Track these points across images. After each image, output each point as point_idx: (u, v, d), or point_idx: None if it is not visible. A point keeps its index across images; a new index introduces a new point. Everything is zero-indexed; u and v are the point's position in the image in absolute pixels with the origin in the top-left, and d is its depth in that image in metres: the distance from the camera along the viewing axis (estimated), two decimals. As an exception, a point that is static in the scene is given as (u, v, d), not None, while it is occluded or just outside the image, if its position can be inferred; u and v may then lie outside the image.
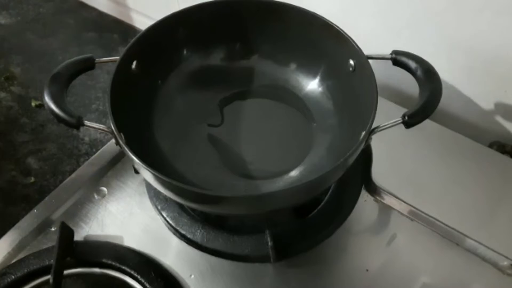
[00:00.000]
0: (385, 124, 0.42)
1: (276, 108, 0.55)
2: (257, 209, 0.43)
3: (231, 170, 0.50)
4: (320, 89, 0.54)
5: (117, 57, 0.45)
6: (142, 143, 0.47)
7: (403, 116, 0.41)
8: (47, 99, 0.40)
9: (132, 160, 0.39)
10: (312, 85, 0.55)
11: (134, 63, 0.48)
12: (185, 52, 0.55)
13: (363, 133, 0.41)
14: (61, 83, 0.42)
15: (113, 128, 0.40)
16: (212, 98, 0.55)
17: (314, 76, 0.54)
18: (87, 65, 0.45)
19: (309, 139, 0.52)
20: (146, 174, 0.39)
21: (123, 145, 0.39)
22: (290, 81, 0.56)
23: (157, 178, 0.38)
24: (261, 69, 0.56)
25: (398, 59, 0.46)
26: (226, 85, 0.56)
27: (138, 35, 0.48)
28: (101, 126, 0.40)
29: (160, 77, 0.53)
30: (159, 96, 0.53)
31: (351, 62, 0.48)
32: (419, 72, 0.44)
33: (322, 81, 0.54)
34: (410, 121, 0.41)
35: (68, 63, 0.44)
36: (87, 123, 0.40)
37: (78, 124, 0.40)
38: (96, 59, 0.45)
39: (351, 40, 0.47)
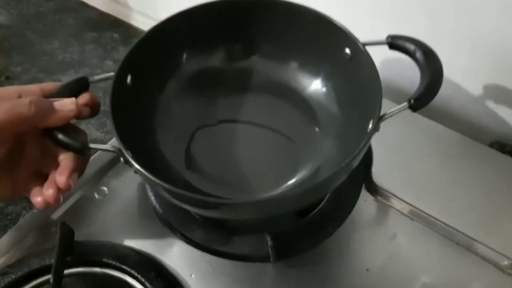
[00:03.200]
0: (392, 110, 0.41)
1: (278, 108, 0.55)
2: (269, 212, 0.42)
3: (237, 175, 0.50)
4: (322, 85, 0.54)
5: (112, 73, 0.45)
6: (148, 156, 0.47)
7: (409, 100, 0.41)
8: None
9: (143, 176, 0.39)
10: (315, 83, 0.54)
11: (129, 77, 0.47)
12: (184, 56, 0.54)
13: (372, 121, 0.41)
14: None
15: (120, 147, 0.40)
16: (213, 102, 0.55)
17: (316, 72, 0.54)
18: (82, 87, 0.44)
19: (315, 138, 0.52)
20: (161, 190, 0.40)
21: (133, 163, 0.39)
22: (291, 79, 0.55)
23: (172, 193, 0.38)
24: (260, 69, 0.56)
25: (394, 42, 0.45)
26: (226, 87, 0.56)
27: (131, 47, 0.47)
28: (108, 147, 0.40)
29: (158, 86, 0.53)
30: (159, 106, 0.52)
31: (347, 50, 0.48)
32: (418, 54, 0.44)
33: (324, 77, 0.53)
34: (416, 104, 0.41)
35: (62, 88, 0.43)
36: (92, 145, 0.40)
37: (83, 148, 0.40)
38: (90, 78, 0.45)
39: (344, 29, 0.46)
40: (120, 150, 0.40)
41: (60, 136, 0.40)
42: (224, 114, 0.55)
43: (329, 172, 0.39)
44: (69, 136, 0.40)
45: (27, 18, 0.96)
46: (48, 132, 0.40)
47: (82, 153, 0.41)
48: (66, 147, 0.40)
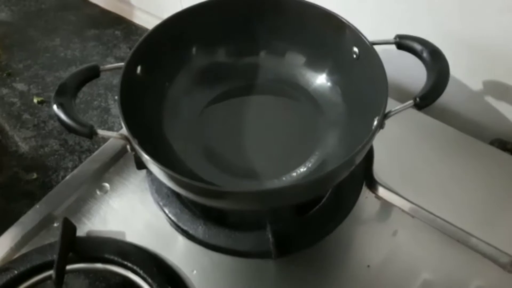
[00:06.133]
0: (397, 108, 0.42)
1: (284, 102, 0.56)
2: (272, 203, 0.43)
3: (242, 166, 0.50)
4: (327, 81, 0.54)
5: (122, 63, 0.45)
6: (155, 146, 0.47)
7: (415, 99, 0.41)
8: (56, 110, 0.41)
9: (149, 164, 0.39)
10: (320, 78, 0.55)
11: (139, 67, 0.48)
12: (193, 50, 0.54)
13: (377, 118, 0.41)
14: (69, 93, 0.42)
15: (128, 135, 0.40)
16: (220, 95, 0.56)
17: (322, 69, 0.54)
18: (93, 74, 0.45)
19: (320, 133, 0.52)
20: (166, 178, 0.39)
21: (141, 151, 0.39)
22: (297, 75, 0.56)
23: (180, 182, 0.38)
24: (268, 65, 0.57)
25: (402, 42, 0.46)
26: (234, 81, 0.56)
27: (141, 38, 0.47)
28: (114, 134, 0.40)
29: (167, 78, 0.53)
30: (167, 97, 0.53)
31: (355, 49, 0.48)
32: (425, 54, 0.44)
33: (330, 73, 0.54)
34: (421, 103, 0.41)
35: (73, 73, 0.45)
36: (100, 131, 0.40)
37: (91, 134, 0.40)
38: (101, 66, 0.45)
39: (352, 27, 0.47)
40: (127, 138, 0.40)
41: (69, 121, 0.40)
42: (231, 108, 0.55)
43: (333, 166, 0.39)
44: (78, 122, 0.40)
45: (28, 15, 0.96)
46: (55, 115, 0.40)
47: (90, 138, 0.41)
48: (74, 132, 0.41)
